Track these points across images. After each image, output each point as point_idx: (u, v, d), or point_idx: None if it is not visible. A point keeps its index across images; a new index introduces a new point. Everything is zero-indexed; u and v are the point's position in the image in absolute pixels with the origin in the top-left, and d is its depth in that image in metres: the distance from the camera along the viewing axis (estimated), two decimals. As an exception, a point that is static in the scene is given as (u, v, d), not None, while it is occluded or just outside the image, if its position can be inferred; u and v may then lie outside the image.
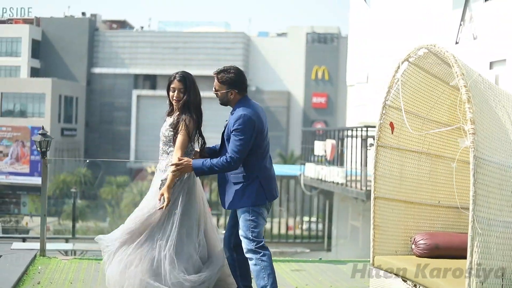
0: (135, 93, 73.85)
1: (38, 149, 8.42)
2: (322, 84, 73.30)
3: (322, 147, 13.69)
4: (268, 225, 25.67)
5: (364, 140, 12.16)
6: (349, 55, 18.87)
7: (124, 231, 6.01)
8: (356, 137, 12.51)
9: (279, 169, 23.29)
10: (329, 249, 15.58)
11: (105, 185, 61.97)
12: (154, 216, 6.01)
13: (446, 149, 6.24)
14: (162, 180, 6.11)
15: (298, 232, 19.53)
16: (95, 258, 7.98)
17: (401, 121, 5.87)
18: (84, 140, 73.34)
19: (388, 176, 6.07)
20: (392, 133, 6.00)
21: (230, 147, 5.89)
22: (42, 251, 7.97)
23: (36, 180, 63.87)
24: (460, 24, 6.95)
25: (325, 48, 74.06)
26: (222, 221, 17.84)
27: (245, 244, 5.89)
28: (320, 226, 19.56)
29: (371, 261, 6.02)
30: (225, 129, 6.10)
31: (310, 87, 73.50)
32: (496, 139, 4.69)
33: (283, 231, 25.49)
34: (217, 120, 66.52)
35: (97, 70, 74.11)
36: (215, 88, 6.17)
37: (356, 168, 12.45)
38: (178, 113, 6.18)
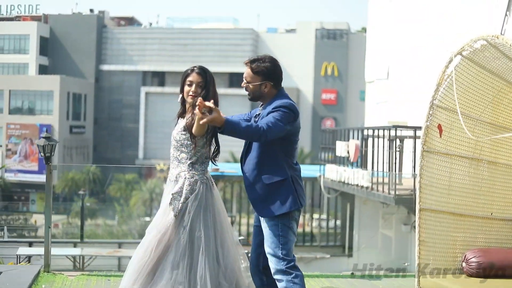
0: (143, 90, 73.35)
1: (42, 154, 7.64)
2: (331, 80, 72.68)
3: (344, 148, 12.98)
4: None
5: (391, 140, 11.45)
6: (367, 50, 18.12)
7: (138, 271, 5.12)
8: (383, 138, 11.78)
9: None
10: (350, 255, 14.91)
11: (113, 183, 61.59)
12: (168, 237, 5.19)
13: (502, 155, 5.53)
14: (173, 194, 5.26)
15: (313, 231, 18.84)
16: (105, 274, 7.27)
17: (450, 123, 5.18)
18: (93, 137, 72.94)
19: (435, 185, 5.36)
20: (441, 136, 5.30)
21: (265, 120, 5.06)
22: (47, 267, 7.23)
23: (45, 178, 63.46)
24: (506, 14, 6.29)
25: (335, 44, 73.41)
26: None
27: (274, 264, 5.10)
28: (331, 223, 18.89)
29: (416, 282, 5.32)
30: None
31: (319, 84, 72.89)
32: None
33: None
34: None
35: (105, 67, 73.66)
36: (246, 79, 5.35)
37: (383, 171, 11.74)
38: (192, 113, 5.29)
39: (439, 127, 5.25)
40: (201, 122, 4.85)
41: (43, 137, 7.60)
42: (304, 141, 65.87)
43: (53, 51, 72.67)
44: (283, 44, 73.95)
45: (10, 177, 62.78)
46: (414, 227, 12.08)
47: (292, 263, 5.09)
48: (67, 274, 7.11)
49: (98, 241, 30.25)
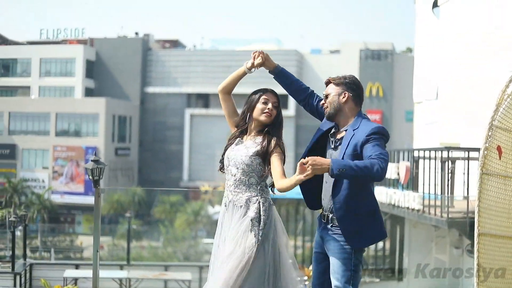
0: (188, 112, 73.71)
1: (90, 177, 7.63)
2: (376, 101, 72.29)
3: (395, 170, 12.78)
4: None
5: (443, 162, 11.21)
6: (415, 70, 17.90)
7: None
8: (435, 159, 11.54)
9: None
10: (400, 279, 14.65)
11: (158, 205, 61.86)
12: (251, 264, 5.01)
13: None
14: (252, 220, 5.06)
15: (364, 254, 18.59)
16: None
17: (511, 145, 5.00)
18: (138, 159, 73.41)
19: (494, 209, 5.20)
20: (500, 158, 5.13)
21: (375, 151, 4.73)
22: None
23: (91, 200, 64.00)
24: None
25: (379, 64, 73.10)
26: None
27: None
28: (380, 245, 18.56)
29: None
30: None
31: (364, 104, 71.97)
32: None
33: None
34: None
35: (150, 89, 74.24)
36: (325, 93, 5.30)
37: (435, 193, 11.50)
38: (261, 136, 5.28)
39: (499, 148, 5.09)
40: (304, 176, 4.65)
41: (92, 161, 7.59)
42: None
43: (98, 74, 73.52)
44: (327, 65, 73.84)
45: (57, 199, 63.45)
46: (468, 250, 11.84)
47: None
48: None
49: (145, 263, 30.35)
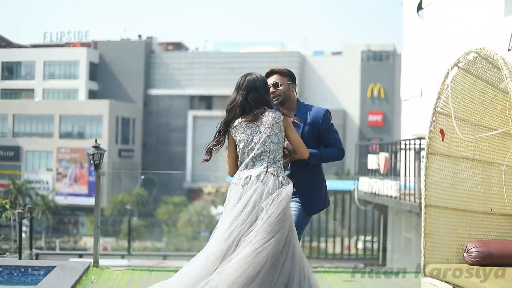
0: (191, 113, 74.41)
1: (92, 161, 8.52)
2: (378, 102, 72.89)
3: (375, 161, 13.57)
4: (323, 244, 25.33)
5: (417, 152, 12.02)
6: (403, 70, 18.71)
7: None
8: (409, 150, 12.39)
9: (334, 184, 23.10)
10: (384, 264, 15.38)
11: (161, 205, 62.40)
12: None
13: (498, 155, 6.11)
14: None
15: (353, 251, 19.21)
16: (148, 269, 8.04)
17: (452, 128, 5.79)
18: (142, 161, 74.04)
19: (439, 184, 5.98)
20: (443, 140, 5.92)
21: (333, 140, 5.82)
22: (96, 262, 8.05)
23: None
24: (513, 31, 6.90)
25: (381, 65, 73.71)
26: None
27: None
28: (376, 244, 19.24)
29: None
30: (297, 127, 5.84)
31: (366, 105, 73.17)
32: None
33: (338, 250, 25.04)
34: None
35: (153, 91, 74.94)
36: (276, 83, 5.92)
37: (409, 181, 12.31)
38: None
39: (442, 131, 5.87)
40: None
41: (93, 147, 8.42)
42: (350, 163, 66.06)
43: (102, 76, 74.22)
44: (330, 66, 74.57)
45: (60, 200, 64.05)
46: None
47: None
48: (113, 268, 7.87)
49: (145, 253, 30.87)
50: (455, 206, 6.01)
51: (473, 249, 5.77)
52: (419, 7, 16.39)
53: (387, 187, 13.03)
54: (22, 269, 7.51)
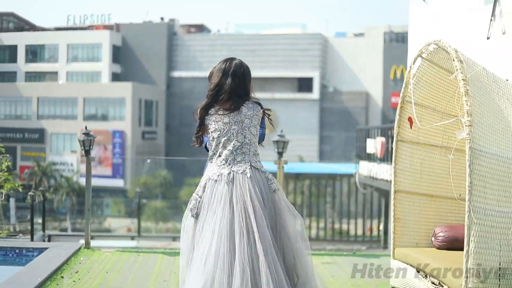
0: (213, 96, 74.44)
1: (82, 148, 8.78)
2: (400, 84, 72.43)
3: (373, 145, 13.74)
4: (345, 226, 25.33)
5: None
6: (409, 53, 18.73)
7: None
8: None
9: (337, 167, 23.21)
10: (385, 247, 15.55)
11: (184, 187, 62.77)
12: None
13: (463, 143, 6.28)
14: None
15: (360, 232, 19.33)
16: (136, 251, 8.31)
17: (420, 116, 5.97)
18: (165, 143, 74.44)
19: (408, 170, 6.17)
20: (411, 127, 6.10)
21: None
22: (87, 244, 8.32)
23: (118, 182, 65.42)
24: (491, 20, 7.00)
25: (403, 47, 73.22)
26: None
27: None
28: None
29: (391, 253, 6.13)
30: None
31: (388, 87, 72.92)
32: (496, 131, 4.77)
33: (360, 232, 25.08)
34: (294, 123, 65.92)
35: (176, 73, 75.19)
36: None
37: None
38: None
39: (410, 119, 6.05)
40: None
41: (83, 133, 8.68)
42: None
43: (125, 59, 74.60)
44: (352, 48, 74.35)
45: (85, 182, 64.46)
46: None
47: None
48: (104, 250, 8.16)
49: (154, 235, 31.01)
50: (424, 191, 6.20)
51: (440, 234, 5.95)
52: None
53: (383, 171, 13.20)
54: (17, 250, 7.80)
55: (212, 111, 5.38)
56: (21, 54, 75.03)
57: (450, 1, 7.44)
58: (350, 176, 17.34)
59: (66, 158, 68.12)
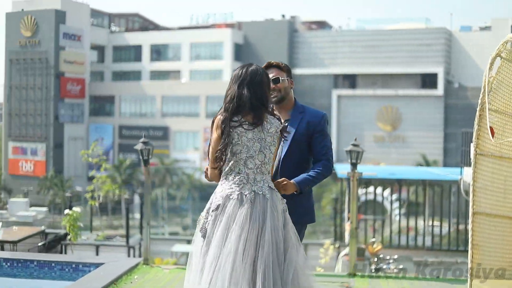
0: (335, 93, 73.77)
1: (140, 157, 8.21)
2: (531, 79, 69.62)
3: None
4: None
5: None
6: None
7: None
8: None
9: (440, 171, 21.77)
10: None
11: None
12: None
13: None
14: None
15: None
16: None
17: (503, 125, 5.10)
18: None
19: (489, 189, 5.30)
20: (493, 138, 5.22)
21: (325, 148, 5.34)
22: (146, 260, 7.81)
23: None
24: None
25: (534, 40, 70.21)
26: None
27: None
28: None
29: (468, 285, 5.28)
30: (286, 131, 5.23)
31: (518, 83, 69.98)
32: None
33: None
34: (417, 120, 64.50)
35: (297, 71, 74.74)
36: (276, 78, 5.35)
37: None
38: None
39: (491, 129, 5.19)
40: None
41: (141, 142, 8.14)
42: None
43: (246, 57, 74.83)
44: (477, 42, 71.78)
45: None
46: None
47: None
48: (163, 267, 7.63)
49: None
50: (508, 214, 5.32)
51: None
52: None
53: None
54: (74, 265, 7.43)
55: (235, 122, 4.89)
56: (145, 53, 76.63)
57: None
58: (454, 182, 16.27)
59: (189, 155, 69.07)
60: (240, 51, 74.87)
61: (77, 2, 75.34)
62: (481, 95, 5.17)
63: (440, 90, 69.49)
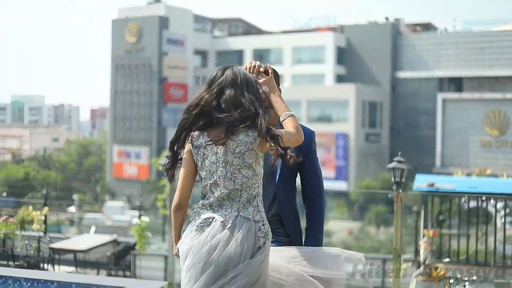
0: (440, 96, 71.99)
1: (164, 177, 7.60)
2: None
3: None
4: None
5: None
6: None
7: None
8: None
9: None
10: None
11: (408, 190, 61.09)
12: None
13: None
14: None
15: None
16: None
17: None
18: (389, 145, 73.07)
19: None
20: None
21: (313, 179, 4.55)
22: (170, 285, 7.16)
23: (341, 186, 64.89)
24: None
25: None
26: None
27: None
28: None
29: None
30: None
31: None
32: None
33: None
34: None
35: (400, 74, 73.52)
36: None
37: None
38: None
39: None
40: None
41: (166, 156, 7.64)
42: None
43: (349, 61, 74.12)
44: None
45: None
46: None
47: None
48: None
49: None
50: None
51: None
52: None
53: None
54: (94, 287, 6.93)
55: (200, 141, 3.97)
56: (247, 58, 76.81)
57: None
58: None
59: (291, 160, 68.67)
60: (342, 55, 74.19)
61: (180, 8, 76.29)
62: None
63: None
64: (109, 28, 77.20)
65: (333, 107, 68.40)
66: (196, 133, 3.99)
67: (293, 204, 4.59)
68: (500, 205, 13.23)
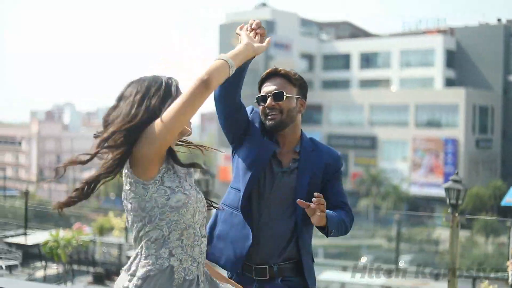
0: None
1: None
2: None
3: None
4: None
5: None
6: None
7: None
8: None
9: None
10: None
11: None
12: None
13: None
14: None
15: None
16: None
17: None
18: (501, 151, 70.59)
19: None
20: None
21: (342, 198, 3.73)
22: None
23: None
24: None
25: None
26: None
27: None
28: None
29: None
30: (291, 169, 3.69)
31: None
32: None
33: None
34: None
35: (513, 78, 71.06)
36: (279, 93, 3.67)
37: None
38: None
39: None
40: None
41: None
42: None
43: (459, 64, 72.08)
44: None
45: (416, 190, 63.81)
46: None
47: None
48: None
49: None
50: None
51: None
52: None
53: None
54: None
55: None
56: (354, 61, 75.87)
57: None
58: None
59: (397, 165, 67.44)
60: (452, 58, 72.16)
61: (287, 12, 76.08)
62: None
63: None
64: (217, 33, 77.80)
65: (442, 112, 66.46)
66: None
67: (310, 244, 3.87)
68: None
